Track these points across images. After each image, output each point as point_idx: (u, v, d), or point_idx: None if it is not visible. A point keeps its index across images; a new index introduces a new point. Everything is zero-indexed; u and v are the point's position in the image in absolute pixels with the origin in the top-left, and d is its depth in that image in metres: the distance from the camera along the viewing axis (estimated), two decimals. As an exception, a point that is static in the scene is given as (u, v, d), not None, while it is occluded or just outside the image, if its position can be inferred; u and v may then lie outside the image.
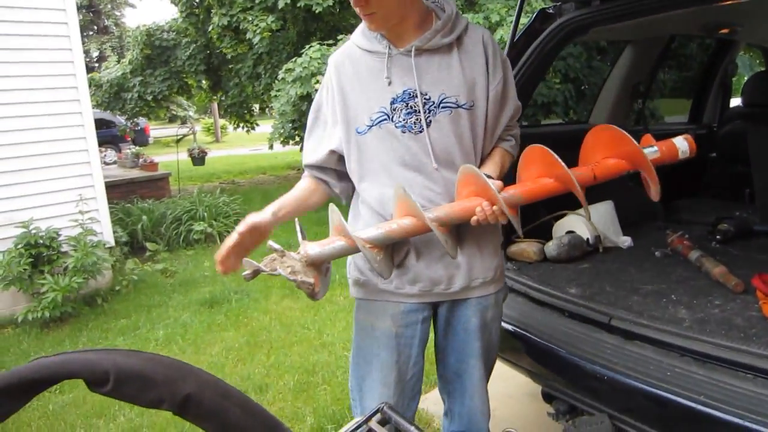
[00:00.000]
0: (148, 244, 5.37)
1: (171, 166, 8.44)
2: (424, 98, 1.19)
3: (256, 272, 1.12)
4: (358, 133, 1.23)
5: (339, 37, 6.21)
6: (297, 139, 6.63)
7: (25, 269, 3.61)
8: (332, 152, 1.28)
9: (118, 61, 11.11)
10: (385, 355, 1.28)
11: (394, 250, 1.22)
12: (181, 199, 6.41)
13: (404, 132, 1.20)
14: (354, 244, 1.13)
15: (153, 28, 9.70)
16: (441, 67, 1.20)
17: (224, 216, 5.90)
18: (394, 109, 1.20)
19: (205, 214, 5.75)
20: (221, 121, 19.63)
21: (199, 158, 12.64)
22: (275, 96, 6.34)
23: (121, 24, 25.68)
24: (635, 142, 1.20)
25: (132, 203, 6.08)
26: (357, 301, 1.34)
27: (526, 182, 1.20)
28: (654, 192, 1.25)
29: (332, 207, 1.17)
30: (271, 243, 1.12)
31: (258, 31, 7.30)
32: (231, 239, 1.16)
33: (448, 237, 1.15)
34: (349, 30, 7.46)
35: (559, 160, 1.14)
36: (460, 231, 1.23)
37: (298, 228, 1.18)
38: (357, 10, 1.16)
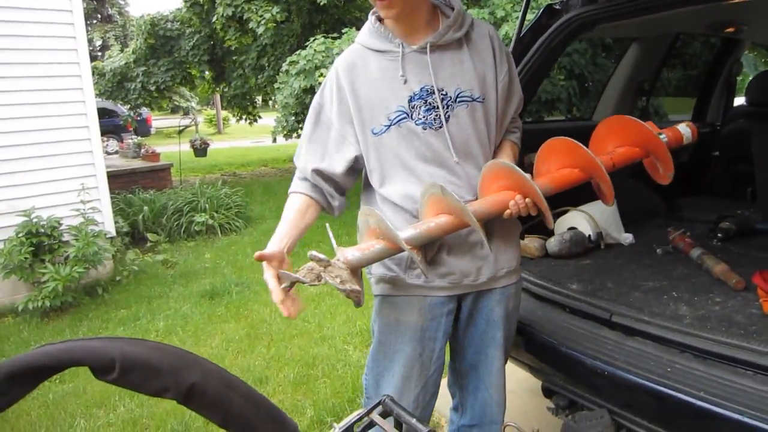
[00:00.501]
0: (149, 235, 5.37)
1: (173, 157, 8.44)
2: (441, 94, 1.20)
3: (293, 284, 1.08)
4: (374, 134, 1.23)
5: (344, 30, 6.17)
6: (300, 132, 6.61)
7: (26, 258, 3.62)
8: (355, 159, 1.25)
9: (122, 51, 11.07)
10: (409, 349, 1.29)
11: (427, 247, 1.22)
12: (182, 190, 6.41)
13: (425, 129, 1.20)
14: (394, 246, 1.11)
15: (157, 18, 9.66)
16: (453, 62, 1.22)
17: (226, 208, 5.91)
18: (413, 107, 1.20)
19: (207, 205, 5.75)
20: (223, 113, 19.60)
21: (201, 149, 12.61)
22: (278, 88, 6.32)
23: (124, 13, 25.54)
24: (650, 129, 1.25)
25: (133, 193, 6.08)
26: (381, 297, 1.33)
27: (551, 173, 1.23)
28: (666, 176, 1.29)
29: (368, 209, 1.15)
30: (313, 253, 1.06)
31: (263, 22, 7.27)
32: (269, 275, 1.08)
33: (483, 231, 1.16)
34: (354, 23, 7.43)
35: (587, 149, 1.18)
36: (486, 223, 1.24)
37: (330, 234, 1.15)
38: None
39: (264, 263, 1.09)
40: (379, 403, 0.85)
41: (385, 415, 0.85)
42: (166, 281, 4.33)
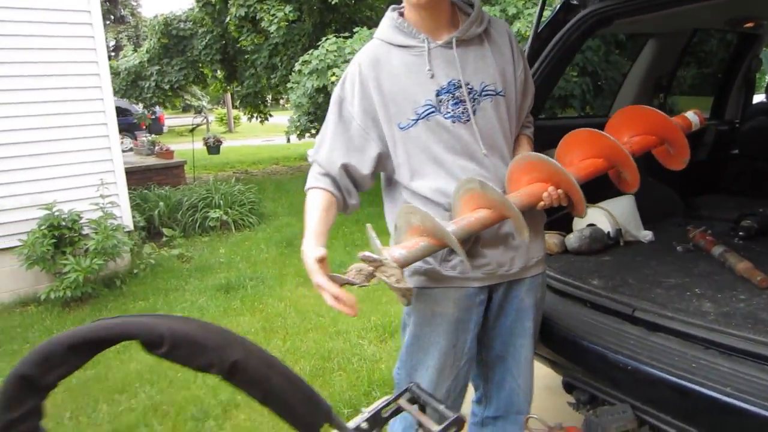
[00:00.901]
0: (164, 230, 5.43)
1: (186, 155, 8.51)
2: (468, 87, 1.22)
3: (342, 286, 1.08)
4: (401, 128, 1.24)
5: (355, 30, 6.19)
6: (313, 131, 6.63)
7: (48, 250, 3.69)
8: (378, 157, 1.26)
9: (135, 51, 11.19)
10: (444, 341, 1.30)
11: (464, 241, 1.21)
12: (196, 186, 6.47)
13: (454, 122, 1.22)
14: (438, 242, 1.11)
15: (170, 18, 9.77)
16: (477, 57, 1.25)
17: (239, 204, 5.95)
18: (441, 101, 1.22)
19: (221, 202, 5.80)
20: (234, 112, 19.72)
21: (214, 147, 12.75)
22: (291, 88, 6.35)
23: (137, 14, 25.80)
24: (663, 114, 1.31)
25: (149, 189, 6.15)
26: (416, 290, 1.30)
27: (575, 164, 1.25)
28: (681, 161, 1.32)
29: (411, 207, 1.15)
30: (366, 253, 1.06)
31: (275, 21, 7.32)
32: (324, 278, 1.07)
33: (525, 224, 1.17)
34: (365, 22, 7.44)
35: (611, 137, 1.21)
36: None
37: (372, 235, 1.14)
38: None
39: (316, 266, 1.07)
40: (406, 390, 0.86)
41: (412, 402, 0.86)
42: (182, 275, 4.38)
